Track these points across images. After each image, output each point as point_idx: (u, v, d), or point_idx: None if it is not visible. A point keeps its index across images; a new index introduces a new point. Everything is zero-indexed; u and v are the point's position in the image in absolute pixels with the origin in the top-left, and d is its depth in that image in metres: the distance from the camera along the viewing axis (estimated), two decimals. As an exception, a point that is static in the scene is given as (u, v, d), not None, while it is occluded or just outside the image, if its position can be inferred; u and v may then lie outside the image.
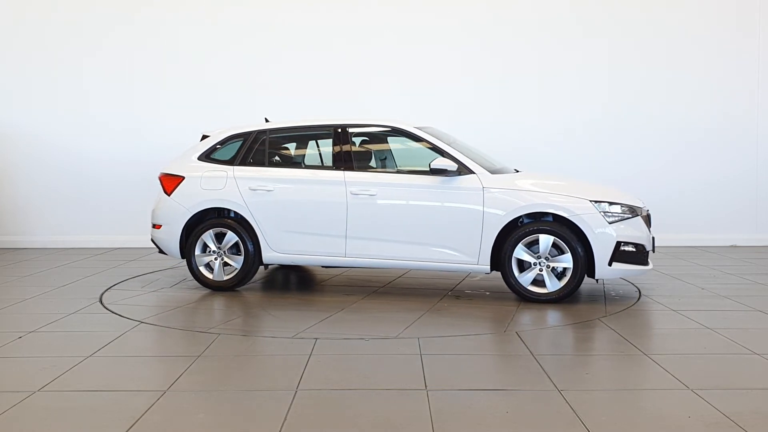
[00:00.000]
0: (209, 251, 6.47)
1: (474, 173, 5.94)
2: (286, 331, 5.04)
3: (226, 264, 6.46)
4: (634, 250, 5.75)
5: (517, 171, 6.49)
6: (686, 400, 3.60)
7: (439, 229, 5.94)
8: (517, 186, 5.90)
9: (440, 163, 5.91)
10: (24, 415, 3.48)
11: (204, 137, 6.83)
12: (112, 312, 5.70)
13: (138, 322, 5.33)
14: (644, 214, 5.97)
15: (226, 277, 6.44)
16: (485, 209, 5.82)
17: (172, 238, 6.52)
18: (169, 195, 6.57)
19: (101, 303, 6.05)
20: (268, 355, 4.54)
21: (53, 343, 4.81)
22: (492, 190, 5.85)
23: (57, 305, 5.96)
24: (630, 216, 5.81)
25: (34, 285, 6.96)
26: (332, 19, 9.60)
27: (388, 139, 6.79)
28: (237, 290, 6.53)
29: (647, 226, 5.98)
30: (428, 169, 5.97)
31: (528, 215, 5.83)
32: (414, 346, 4.60)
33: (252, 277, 6.50)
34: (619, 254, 5.70)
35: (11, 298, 6.33)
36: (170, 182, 6.59)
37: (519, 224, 5.85)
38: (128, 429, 3.28)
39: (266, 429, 3.27)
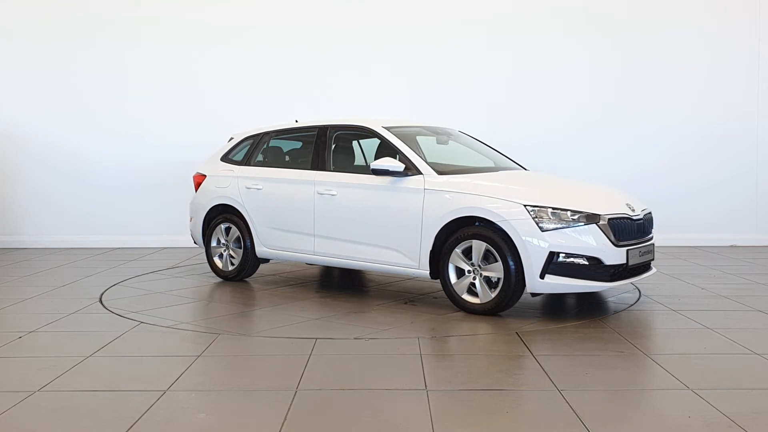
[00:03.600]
0: (221, 243, 7.04)
1: (422, 174, 5.67)
2: (168, 322, 5.35)
3: (232, 256, 6.97)
4: (583, 263, 5.08)
5: (501, 171, 6.14)
6: (686, 400, 3.60)
7: (386, 230, 5.79)
8: (455, 188, 5.47)
9: (381, 163, 5.71)
10: (24, 415, 3.48)
11: (231, 139, 7.42)
12: (112, 312, 5.71)
13: (138, 322, 5.33)
14: (604, 222, 5.16)
15: (229, 269, 6.97)
16: (424, 211, 5.55)
17: (196, 229, 7.30)
18: (196, 191, 7.33)
19: (101, 303, 6.05)
20: (268, 355, 4.54)
21: (53, 343, 4.81)
22: (433, 191, 5.54)
23: (57, 305, 5.97)
24: (582, 224, 5.11)
25: (34, 285, 6.97)
26: (349, 17, 9.58)
27: (364, 139, 6.75)
28: (246, 281, 7.00)
29: (634, 235, 5.37)
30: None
31: (478, 219, 5.34)
32: (414, 346, 4.60)
33: (251, 269, 6.94)
34: (555, 266, 5.06)
35: (11, 298, 6.34)
36: (198, 180, 7.35)
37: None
38: (128, 429, 3.28)
39: (266, 429, 3.27)
